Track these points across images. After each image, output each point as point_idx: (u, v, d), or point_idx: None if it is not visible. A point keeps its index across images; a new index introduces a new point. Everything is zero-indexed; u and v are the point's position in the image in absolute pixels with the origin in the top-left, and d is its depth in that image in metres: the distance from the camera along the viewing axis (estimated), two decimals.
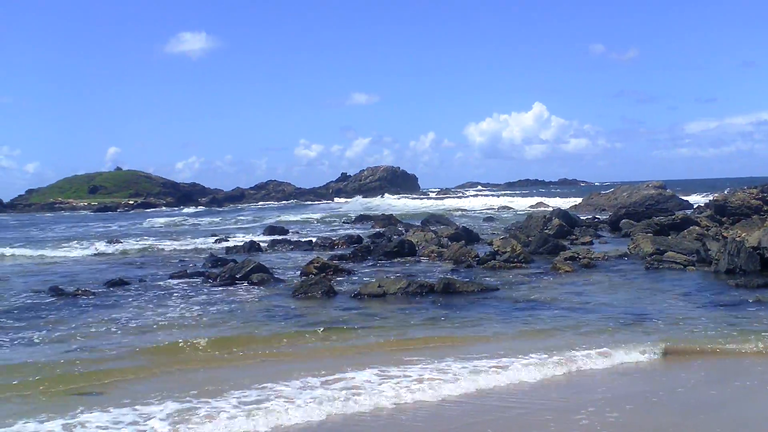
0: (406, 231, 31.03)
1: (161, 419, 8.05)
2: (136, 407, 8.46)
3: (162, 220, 52.74)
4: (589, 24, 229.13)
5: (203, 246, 29.45)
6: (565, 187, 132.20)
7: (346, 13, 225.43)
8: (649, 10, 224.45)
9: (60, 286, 17.71)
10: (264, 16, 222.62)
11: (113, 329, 12.98)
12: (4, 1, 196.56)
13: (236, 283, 18.09)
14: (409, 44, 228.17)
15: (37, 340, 12.26)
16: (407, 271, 19.55)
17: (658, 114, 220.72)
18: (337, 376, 9.53)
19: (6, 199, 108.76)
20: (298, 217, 50.95)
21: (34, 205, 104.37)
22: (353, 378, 9.40)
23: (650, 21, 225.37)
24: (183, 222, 50.41)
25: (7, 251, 28.98)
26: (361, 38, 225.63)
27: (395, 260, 22.11)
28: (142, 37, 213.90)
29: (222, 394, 8.84)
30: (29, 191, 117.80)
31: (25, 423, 8.03)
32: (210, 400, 8.61)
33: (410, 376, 9.43)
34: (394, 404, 8.52)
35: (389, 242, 24.79)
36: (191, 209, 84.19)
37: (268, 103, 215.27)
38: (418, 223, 36.51)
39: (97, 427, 7.93)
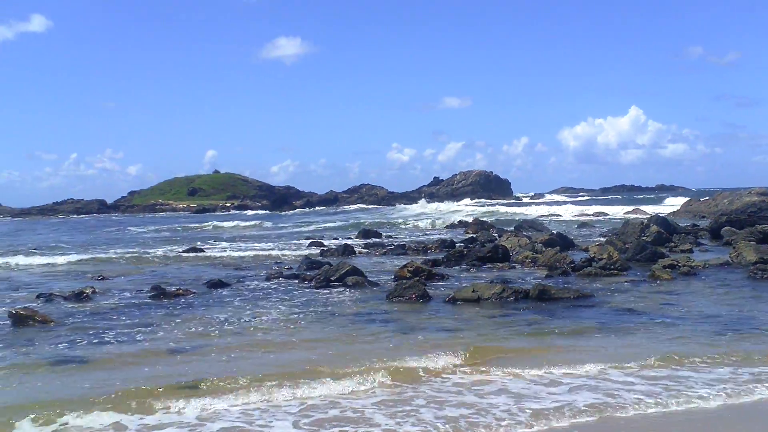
0: (500, 236, 30.84)
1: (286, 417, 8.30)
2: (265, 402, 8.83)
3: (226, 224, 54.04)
4: (686, 26, 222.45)
5: (297, 249, 29.95)
6: (663, 193, 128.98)
7: (438, 17, 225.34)
8: (750, 12, 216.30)
9: (162, 286, 18.27)
10: (357, 21, 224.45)
11: (214, 328, 13.35)
12: (107, 9, 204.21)
13: (331, 286, 18.34)
14: (502, 47, 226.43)
15: (141, 338, 12.71)
16: (501, 277, 19.40)
17: (760, 118, 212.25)
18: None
19: (110, 201, 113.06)
20: (385, 220, 51.30)
21: (137, 206, 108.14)
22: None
23: (751, 23, 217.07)
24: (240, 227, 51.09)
25: (108, 252, 30.14)
26: (453, 41, 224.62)
27: (488, 265, 22.01)
28: (239, 42, 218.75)
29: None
30: (132, 193, 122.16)
31: (164, 413, 8.44)
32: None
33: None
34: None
35: (482, 247, 24.68)
36: (254, 212, 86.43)
37: (361, 107, 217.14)
38: (512, 228, 36.25)
39: (236, 418, 8.29)
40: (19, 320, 14.03)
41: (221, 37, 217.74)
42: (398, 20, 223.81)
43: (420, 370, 10.01)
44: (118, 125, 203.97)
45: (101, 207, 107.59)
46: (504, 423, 8.01)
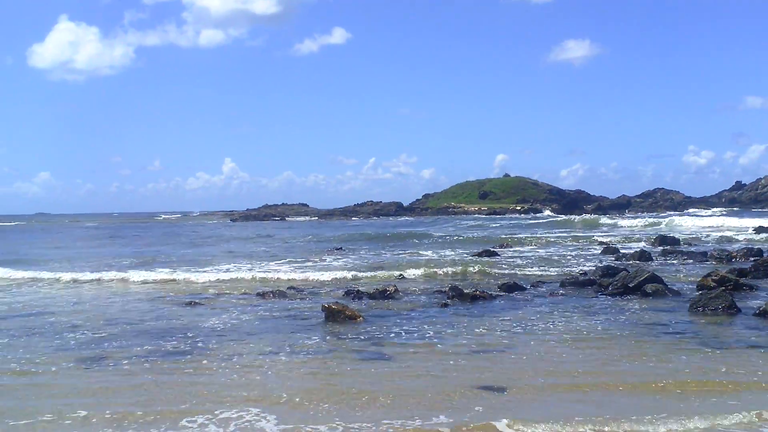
0: None
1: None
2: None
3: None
4: None
5: (591, 255, 29.52)
6: None
7: (737, 11, 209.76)
8: None
9: (459, 287, 18.81)
10: (647, 21, 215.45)
11: (502, 331, 13.56)
12: (403, 19, 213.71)
13: (629, 293, 17.86)
14: None
15: (438, 338, 13.18)
16: None
17: None
18: None
19: (405, 203, 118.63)
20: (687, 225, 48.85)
21: (430, 209, 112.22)
22: None
23: None
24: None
25: (407, 252, 31.66)
26: (755, 37, 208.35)
27: None
28: (528, 46, 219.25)
29: None
30: (425, 196, 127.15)
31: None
32: None
33: None
34: None
35: None
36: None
37: (655, 108, 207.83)
38: None
39: None
40: (331, 314, 15.17)
41: (510, 40, 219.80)
42: (692, 18, 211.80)
43: None
44: (412, 130, 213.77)
45: (398, 209, 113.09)
46: None
